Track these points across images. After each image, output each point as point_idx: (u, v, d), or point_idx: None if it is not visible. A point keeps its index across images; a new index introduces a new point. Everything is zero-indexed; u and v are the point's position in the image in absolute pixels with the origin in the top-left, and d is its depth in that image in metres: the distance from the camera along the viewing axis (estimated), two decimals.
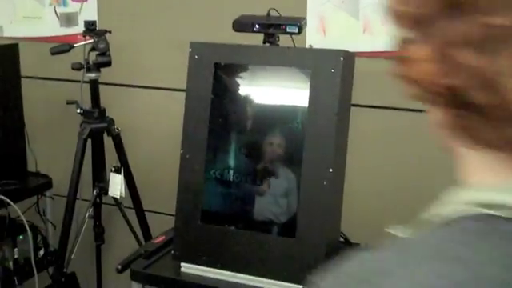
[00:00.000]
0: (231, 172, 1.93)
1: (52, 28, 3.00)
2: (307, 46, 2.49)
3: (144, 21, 2.73)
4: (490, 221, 0.58)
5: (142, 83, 2.79)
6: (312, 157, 1.80)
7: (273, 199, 1.88)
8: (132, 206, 2.65)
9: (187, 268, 1.96)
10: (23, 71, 2.95)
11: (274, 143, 1.89)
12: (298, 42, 2.10)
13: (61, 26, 2.99)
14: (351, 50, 1.87)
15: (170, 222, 2.15)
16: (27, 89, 2.79)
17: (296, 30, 1.87)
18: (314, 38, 2.51)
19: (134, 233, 2.61)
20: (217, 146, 1.95)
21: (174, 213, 2.00)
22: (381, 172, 2.49)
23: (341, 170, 1.90)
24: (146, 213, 2.76)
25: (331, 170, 1.79)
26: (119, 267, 2.06)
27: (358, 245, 2.15)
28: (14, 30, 3.06)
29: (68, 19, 2.96)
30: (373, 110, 2.46)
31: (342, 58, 1.79)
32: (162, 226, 2.56)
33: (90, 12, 2.88)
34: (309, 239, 1.82)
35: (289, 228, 1.83)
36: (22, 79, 2.85)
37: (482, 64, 0.55)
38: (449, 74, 0.57)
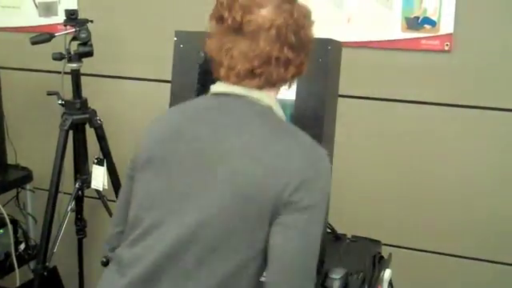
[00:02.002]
0: None
1: (31, 18, 2.94)
2: None
3: (127, 9, 2.68)
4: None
5: (125, 74, 2.75)
6: None
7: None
8: (115, 199, 2.60)
9: None
10: (1, 62, 2.90)
11: None
12: None
13: (39, 15, 2.93)
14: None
15: None
16: (6, 80, 2.74)
17: None
18: None
19: None
20: None
21: None
22: (368, 163, 2.48)
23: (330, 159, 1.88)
24: None
25: None
26: (104, 259, 2.02)
27: (344, 235, 2.14)
28: None
29: (47, 9, 2.90)
30: (357, 100, 2.45)
31: (329, 47, 1.77)
32: None
33: (69, 1, 2.83)
34: None
35: None
36: (1, 70, 2.80)
37: None
38: None
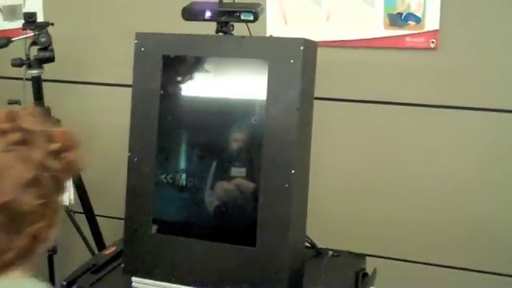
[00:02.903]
0: (184, 176, 1.75)
1: None
2: (268, 35, 2.32)
3: (89, 12, 2.53)
4: None
5: (89, 79, 2.58)
6: (272, 157, 1.63)
7: (230, 205, 1.71)
8: (83, 213, 2.45)
9: (139, 283, 1.77)
10: None
11: (231, 143, 1.71)
12: (258, 31, 1.92)
13: (4, 19, 2.78)
14: (314, 39, 1.70)
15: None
16: None
17: (251, 18, 1.70)
18: (275, 27, 2.34)
19: (86, 242, 2.42)
20: (168, 147, 1.77)
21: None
22: (348, 170, 2.33)
23: (304, 171, 1.73)
24: (98, 218, 2.57)
25: (293, 172, 1.62)
26: (64, 283, 1.87)
27: (325, 250, 1.99)
28: None
29: (11, 12, 2.75)
30: (337, 103, 2.29)
31: (302, 47, 1.61)
32: (116, 231, 2.39)
33: (34, 4, 2.67)
34: (270, 248, 1.64)
35: (248, 236, 1.66)
36: None
37: None
38: None
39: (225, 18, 1.71)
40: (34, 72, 2.28)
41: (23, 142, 1.11)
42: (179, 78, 1.76)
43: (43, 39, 2.22)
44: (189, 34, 1.73)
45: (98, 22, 2.54)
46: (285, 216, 1.63)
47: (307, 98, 1.69)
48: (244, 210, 1.69)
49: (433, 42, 2.16)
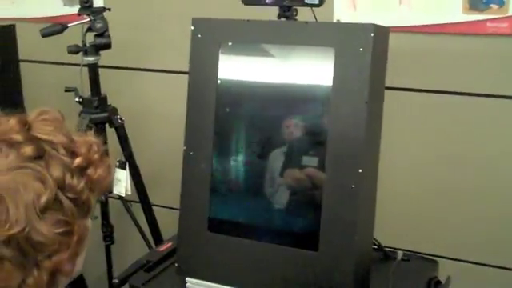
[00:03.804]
0: (242, 172, 1.63)
1: (55, 7, 2.73)
2: (335, 20, 2.16)
3: None
4: None
5: (147, 66, 2.49)
6: (338, 155, 1.49)
7: (292, 205, 1.58)
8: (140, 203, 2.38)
9: (193, 284, 1.68)
10: (23, 55, 2.71)
11: (293, 137, 1.58)
12: (324, 17, 1.77)
13: (64, 4, 2.72)
14: (385, 24, 1.54)
15: None
16: (27, 73, 2.54)
17: (316, 1, 1.55)
18: (342, 12, 2.18)
19: (143, 234, 2.34)
20: (225, 140, 1.65)
21: None
22: (419, 167, 2.15)
23: (373, 170, 1.58)
24: (156, 208, 2.49)
25: (361, 171, 1.47)
26: (116, 281, 1.79)
27: (394, 253, 1.84)
28: (14, 10, 2.80)
29: None
30: (409, 93, 2.12)
31: (372, 34, 1.46)
32: (174, 222, 2.32)
33: None
34: (334, 252, 1.51)
35: (310, 239, 1.53)
36: (22, 63, 2.59)
37: None
38: None
39: (287, 2, 1.57)
40: (90, 59, 2.20)
41: (39, 157, 0.91)
42: (238, 67, 1.64)
43: (99, 25, 2.14)
44: (248, 20, 1.60)
45: (155, 7, 2.44)
46: (350, 220, 1.49)
47: (377, 90, 1.54)
48: (306, 211, 1.56)
49: None
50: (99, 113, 2.24)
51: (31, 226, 0.87)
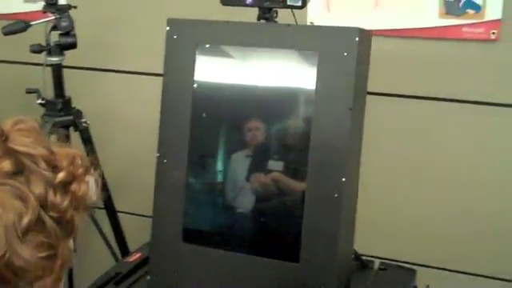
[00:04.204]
0: (219, 181, 1.56)
1: (15, 4, 2.60)
2: (309, 23, 2.12)
3: None
4: None
5: (115, 67, 2.39)
6: (320, 164, 1.44)
7: (272, 215, 1.52)
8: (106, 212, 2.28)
9: None
10: None
11: (273, 145, 1.52)
12: (298, 19, 1.71)
13: (25, 1, 2.60)
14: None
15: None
16: None
17: (299, 3, 1.49)
18: (317, 14, 2.13)
19: (108, 243, 2.25)
20: (201, 147, 1.58)
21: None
22: (396, 173, 2.12)
23: (355, 178, 1.54)
24: (122, 215, 2.40)
25: (344, 180, 1.43)
26: None
27: (371, 262, 1.80)
28: None
29: None
30: (384, 98, 2.09)
31: (357, 38, 1.42)
32: (140, 230, 2.22)
33: None
34: (315, 265, 1.46)
35: (291, 250, 1.47)
36: None
37: None
38: None
39: (268, 4, 1.52)
40: (54, 59, 2.10)
41: (18, 172, 0.80)
42: (215, 71, 1.57)
43: (65, 23, 2.04)
44: (227, 21, 1.54)
45: (125, 6, 2.34)
46: (333, 230, 1.44)
47: (360, 96, 1.50)
48: (287, 222, 1.50)
49: (493, 34, 1.94)
50: (63, 116, 2.14)
51: (12, 251, 0.76)
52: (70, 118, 2.15)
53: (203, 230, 1.59)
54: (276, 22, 1.57)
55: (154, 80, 2.27)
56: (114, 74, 2.39)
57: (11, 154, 0.81)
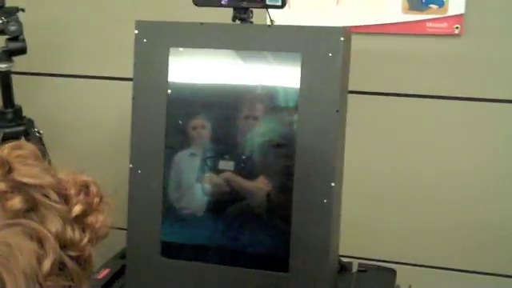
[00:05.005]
0: (199, 190, 1.49)
1: None
2: (268, 23, 2.05)
3: None
4: None
5: (67, 71, 2.25)
6: (308, 169, 1.39)
7: (258, 224, 1.46)
8: None
9: None
10: None
11: (256, 153, 1.45)
12: (256, 18, 1.65)
13: None
14: (322, 25, 1.46)
15: (116, 239, 1.68)
16: None
17: (279, 3, 1.44)
18: (277, 12, 2.07)
19: None
20: (178, 157, 1.50)
21: (120, 225, 1.53)
22: (362, 170, 2.09)
23: (341, 181, 1.49)
24: None
25: (333, 185, 1.38)
26: None
27: (349, 264, 1.77)
28: None
29: None
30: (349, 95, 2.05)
31: (342, 38, 1.37)
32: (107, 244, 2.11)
33: None
34: (306, 273, 1.41)
35: (280, 260, 1.42)
36: None
37: None
38: None
39: (246, 4, 1.45)
40: (2, 66, 1.95)
41: (30, 209, 0.70)
42: (190, 76, 1.49)
43: (13, 27, 1.90)
44: (201, 23, 1.46)
45: (82, 6, 2.20)
46: (323, 237, 1.40)
47: (344, 97, 1.45)
48: (274, 230, 1.45)
49: (457, 28, 1.94)
50: (14, 126, 1.99)
51: None
52: (22, 128, 2.01)
53: (183, 243, 1.51)
54: (252, 22, 1.50)
55: (115, 84, 2.16)
56: (66, 78, 2.25)
57: (20, 188, 0.70)
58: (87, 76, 2.21)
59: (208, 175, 1.48)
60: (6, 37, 1.94)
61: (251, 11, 1.49)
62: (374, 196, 2.09)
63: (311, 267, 1.40)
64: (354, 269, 1.77)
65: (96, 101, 2.20)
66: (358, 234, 2.05)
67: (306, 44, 1.38)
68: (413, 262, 2.07)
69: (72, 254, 0.71)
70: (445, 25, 1.96)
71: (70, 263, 0.71)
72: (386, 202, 2.09)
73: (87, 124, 2.23)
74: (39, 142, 2.04)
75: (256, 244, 1.47)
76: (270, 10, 2.01)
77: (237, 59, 1.45)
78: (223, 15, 1.52)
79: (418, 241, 2.07)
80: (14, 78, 2.03)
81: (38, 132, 2.05)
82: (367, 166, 2.09)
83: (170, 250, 1.50)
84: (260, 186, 1.43)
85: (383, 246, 2.08)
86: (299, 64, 1.38)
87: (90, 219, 0.75)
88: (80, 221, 0.74)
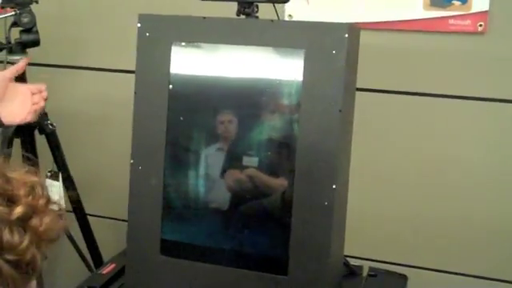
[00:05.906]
0: (200, 189, 1.46)
1: None
2: (286, 18, 2.01)
3: None
4: None
5: (82, 63, 2.25)
6: (309, 169, 1.34)
7: (258, 225, 1.42)
8: (74, 218, 2.15)
9: None
10: None
11: (257, 151, 1.41)
12: (273, 13, 1.60)
13: None
14: (342, 21, 1.41)
15: (123, 229, 1.66)
16: None
17: None
18: (295, 7, 2.02)
19: (81, 253, 2.12)
20: (179, 153, 1.47)
21: (126, 217, 1.51)
22: (382, 172, 2.03)
23: (345, 182, 1.44)
24: (94, 218, 2.27)
25: (335, 186, 1.33)
26: None
27: (359, 268, 1.71)
28: None
29: None
30: (368, 94, 1.99)
31: (346, 35, 1.32)
32: (114, 234, 2.15)
33: None
34: (306, 276, 1.37)
35: (279, 262, 1.38)
36: None
37: None
38: None
39: None
40: (16, 58, 1.95)
41: None
42: (192, 71, 1.46)
43: (26, 19, 1.89)
44: (204, 17, 1.43)
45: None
46: (324, 240, 1.35)
47: (350, 95, 1.40)
48: (274, 231, 1.40)
49: (481, 26, 1.86)
50: None
51: None
52: (35, 120, 2.00)
53: (183, 241, 1.48)
54: (257, 17, 1.46)
55: (123, 76, 2.15)
56: (79, 70, 2.25)
57: None
58: (101, 68, 2.21)
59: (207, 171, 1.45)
60: (20, 29, 1.94)
61: (256, 6, 1.45)
62: (383, 194, 2.04)
63: (311, 271, 1.36)
64: (365, 273, 1.73)
65: (109, 93, 2.19)
66: (367, 235, 1.99)
67: (309, 40, 1.33)
68: (425, 266, 2.00)
69: (9, 257, 0.68)
70: (468, 22, 1.88)
71: (5, 268, 0.68)
72: (396, 200, 2.03)
73: (101, 116, 2.23)
74: (52, 134, 2.04)
75: (256, 245, 1.43)
76: (286, 5, 2.00)
77: (239, 54, 1.41)
78: (228, 9, 1.48)
79: (431, 243, 2.00)
80: (28, 70, 2.03)
81: (52, 124, 2.04)
82: (382, 165, 2.03)
83: (169, 249, 1.47)
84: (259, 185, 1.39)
85: (393, 248, 2.02)
86: (302, 61, 1.33)
87: (34, 222, 0.72)
88: (21, 223, 0.71)
